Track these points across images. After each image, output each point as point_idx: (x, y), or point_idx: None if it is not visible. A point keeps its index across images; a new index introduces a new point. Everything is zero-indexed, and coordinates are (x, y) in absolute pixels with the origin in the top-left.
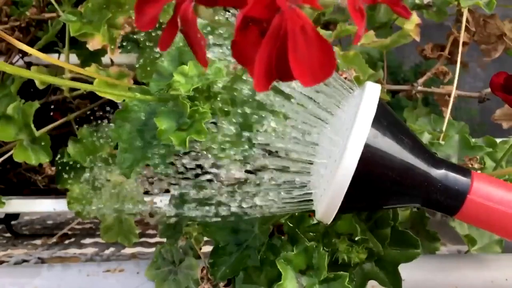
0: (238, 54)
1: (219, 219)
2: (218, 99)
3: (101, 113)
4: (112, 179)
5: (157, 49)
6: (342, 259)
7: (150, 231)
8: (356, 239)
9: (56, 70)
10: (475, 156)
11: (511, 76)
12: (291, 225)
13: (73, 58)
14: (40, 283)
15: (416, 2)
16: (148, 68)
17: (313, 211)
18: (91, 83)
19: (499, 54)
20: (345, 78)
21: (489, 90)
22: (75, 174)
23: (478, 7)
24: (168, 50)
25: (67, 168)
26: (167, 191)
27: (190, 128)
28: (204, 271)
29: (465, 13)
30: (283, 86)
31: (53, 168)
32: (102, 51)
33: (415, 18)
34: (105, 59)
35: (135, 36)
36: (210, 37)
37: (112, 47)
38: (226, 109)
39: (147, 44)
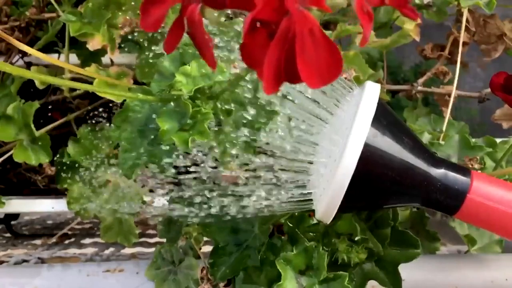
0: (246, 56)
1: (218, 218)
2: (220, 99)
3: (101, 113)
4: (112, 179)
5: (157, 49)
6: (342, 259)
7: (150, 231)
8: (356, 239)
9: (56, 70)
10: (475, 156)
11: (511, 76)
12: (291, 225)
13: (73, 58)
14: (40, 283)
15: (416, 2)
16: (147, 69)
17: (313, 211)
18: (91, 83)
19: (499, 54)
20: (345, 78)
21: (489, 90)
22: (75, 174)
23: (478, 7)
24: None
25: (67, 168)
26: (167, 191)
27: (192, 128)
28: (204, 271)
29: (465, 13)
30: (283, 86)
31: (53, 168)
32: (102, 51)
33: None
34: (105, 59)
35: (135, 36)
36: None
37: (112, 47)
38: (228, 110)
39: (146, 44)
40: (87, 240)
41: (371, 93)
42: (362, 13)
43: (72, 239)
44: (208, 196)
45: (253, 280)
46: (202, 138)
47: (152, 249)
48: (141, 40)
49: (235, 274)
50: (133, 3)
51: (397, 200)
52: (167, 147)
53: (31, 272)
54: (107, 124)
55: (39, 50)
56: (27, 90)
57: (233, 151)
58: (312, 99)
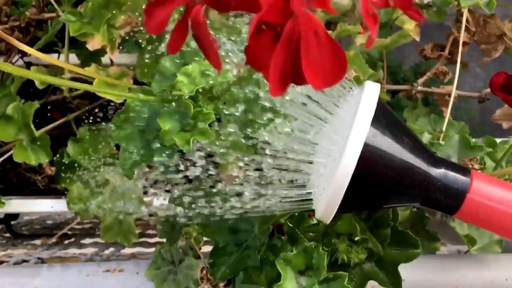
0: (251, 58)
1: (218, 218)
2: (222, 99)
3: (100, 113)
4: (112, 179)
5: (157, 49)
6: (342, 259)
7: (150, 231)
8: (356, 239)
9: (55, 70)
10: (475, 156)
11: (511, 76)
12: (291, 225)
13: (73, 58)
14: (40, 283)
15: (416, 2)
16: (147, 69)
17: (313, 211)
18: (91, 83)
19: (499, 54)
20: (345, 77)
21: (489, 90)
22: (75, 174)
23: (478, 7)
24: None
25: (66, 168)
26: (167, 191)
27: (194, 129)
28: (204, 271)
29: (465, 13)
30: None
31: (53, 168)
32: (101, 51)
33: None
34: (105, 59)
35: (135, 36)
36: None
37: (112, 47)
38: (229, 110)
39: (146, 44)
40: (87, 240)
41: (371, 93)
42: (368, 15)
43: (72, 239)
44: (208, 195)
45: (253, 280)
46: (204, 138)
47: (152, 249)
48: (141, 40)
49: (235, 274)
50: (129, 3)
51: (397, 200)
52: (168, 147)
53: (31, 272)
54: (107, 124)
55: (39, 50)
56: (27, 90)
57: (234, 151)
58: (312, 98)
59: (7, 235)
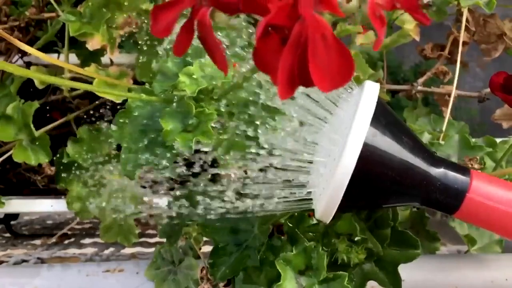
0: (259, 61)
1: (218, 217)
2: (224, 100)
3: (100, 113)
4: (112, 179)
5: (157, 49)
6: (342, 259)
7: (150, 231)
8: (356, 239)
9: (55, 70)
10: (475, 156)
11: (511, 76)
12: (290, 225)
13: (73, 58)
14: (40, 283)
15: None
16: (147, 69)
17: (313, 211)
18: (91, 83)
19: (499, 54)
20: None
21: (489, 90)
22: (75, 174)
23: (478, 7)
24: (171, 49)
25: (66, 168)
26: (167, 190)
27: (196, 129)
28: (204, 271)
29: (465, 13)
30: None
31: (53, 168)
32: (101, 51)
33: None
34: (105, 59)
35: (135, 36)
36: None
37: (112, 47)
38: (231, 110)
39: (146, 44)
40: (87, 240)
41: (370, 92)
42: (375, 17)
43: (72, 239)
44: (208, 195)
45: (253, 280)
46: (206, 138)
47: (152, 249)
48: (141, 40)
49: (235, 274)
50: (129, 3)
51: (396, 200)
52: (169, 148)
53: (30, 272)
54: (107, 124)
55: (38, 50)
56: (27, 90)
57: (235, 151)
58: (312, 98)
59: (7, 235)
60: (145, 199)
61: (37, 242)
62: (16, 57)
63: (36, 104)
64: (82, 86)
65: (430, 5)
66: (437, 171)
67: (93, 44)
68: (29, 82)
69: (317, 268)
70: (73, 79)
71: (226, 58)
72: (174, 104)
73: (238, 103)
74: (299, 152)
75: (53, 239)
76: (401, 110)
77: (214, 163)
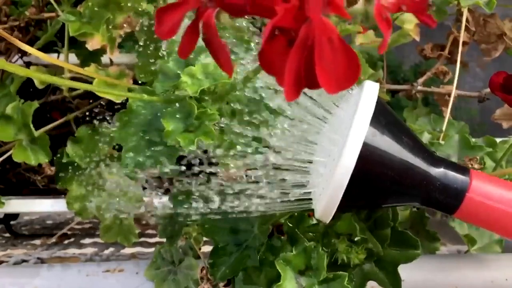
0: (265, 63)
1: (218, 217)
2: (226, 100)
3: (100, 113)
4: (112, 179)
5: (158, 49)
6: (342, 259)
7: (150, 231)
8: (356, 239)
9: (55, 70)
10: (475, 156)
11: (511, 76)
12: (290, 225)
13: (73, 58)
14: (39, 283)
15: None
16: (147, 69)
17: (313, 211)
18: (91, 83)
19: (499, 54)
20: None
21: (489, 90)
22: (75, 174)
23: (478, 7)
24: (173, 50)
25: (66, 168)
26: (167, 191)
27: (197, 129)
28: (204, 271)
29: (465, 13)
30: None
31: (53, 168)
32: (101, 51)
33: (414, 17)
34: (105, 59)
35: (135, 35)
36: None
37: (112, 47)
38: (232, 110)
39: (146, 44)
40: (87, 240)
41: (370, 92)
42: (382, 20)
43: (72, 239)
44: (208, 194)
45: (252, 280)
46: (208, 139)
47: (152, 249)
48: (141, 40)
49: (234, 274)
50: (129, 3)
51: (396, 200)
52: (171, 148)
53: (30, 272)
54: (107, 124)
55: (38, 49)
56: (27, 89)
57: (237, 151)
58: (312, 98)
59: (7, 235)
60: (145, 199)
61: (37, 242)
62: (16, 57)
63: (35, 104)
64: (82, 86)
65: (430, 5)
66: (437, 171)
67: (93, 44)
68: (28, 82)
69: (317, 268)
70: (73, 79)
71: (230, 60)
72: (176, 104)
73: (239, 103)
74: (299, 152)
75: (53, 239)
76: (401, 110)
77: (214, 163)
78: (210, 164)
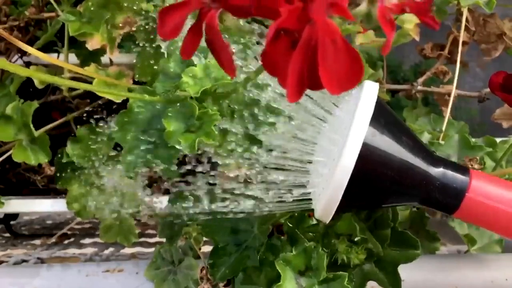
0: (268, 64)
1: (218, 217)
2: (227, 100)
3: (100, 113)
4: (112, 179)
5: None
6: (342, 259)
7: (150, 231)
8: (356, 239)
9: (55, 70)
10: (475, 156)
11: (510, 76)
12: (290, 225)
13: (72, 57)
14: (39, 283)
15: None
16: (146, 69)
17: (313, 211)
18: (91, 82)
19: (499, 54)
20: None
21: (489, 89)
22: (74, 174)
23: (478, 7)
24: (174, 50)
25: (66, 168)
26: (167, 190)
27: (199, 130)
28: (204, 271)
29: (465, 13)
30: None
31: (52, 168)
32: (101, 51)
33: (414, 17)
34: (105, 59)
35: (135, 35)
36: None
37: (111, 46)
38: (233, 110)
39: (146, 43)
40: (87, 240)
41: (370, 92)
42: (385, 21)
43: (72, 239)
44: (208, 194)
45: (252, 280)
46: (209, 139)
47: (152, 249)
48: (141, 40)
49: (234, 275)
50: (126, 3)
51: (396, 199)
52: (171, 148)
53: (30, 272)
54: (107, 124)
55: (38, 49)
56: (26, 89)
57: (238, 151)
58: (311, 98)
59: (7, 235)
60: (146, 199)
61: (37, 242)
62: (16, 57)
63: (35, 104)
64: (82, 86)
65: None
66: (437, 171)
67: (92, 44)
68: (28, 82)
69: (317, 269)
70: (73, 79)
71: (233, 61)
72: (177, 104)
73: (240, 104)
74: (299, 152)
75: (53, 239)
76: (401, 109)
77: (215, 162)
78: (210, 164)
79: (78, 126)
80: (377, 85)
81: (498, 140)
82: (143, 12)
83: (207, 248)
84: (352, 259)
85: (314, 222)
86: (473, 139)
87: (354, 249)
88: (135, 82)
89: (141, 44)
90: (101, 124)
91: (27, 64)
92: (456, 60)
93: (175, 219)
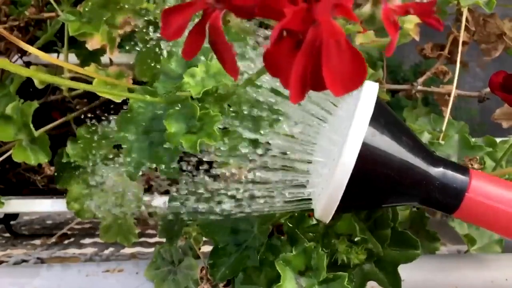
0: (271, 65)
1: (217, 217)
2: (229, 101)
3: (100, 113)
4: (112, 179)
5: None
6: (342, 259)
7: (150, 231)
8: (356, 239)
9: (55, 70)
10: (475, 156)
11: (510, 75)
12: (290, 225)
13: (72, 57)
14: (39, 283)
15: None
16: (146, 69)
17: (313, 211)
18: (91, 82)
19: (499, 54)
20: None
21: (489, 89)
22: (74, 174)
23: (478, 7)
24: (174, 50)
25: (66, 168)
26: (167, 191)
27: (200, 131)
28: (204, 271)
29: (465, 13)
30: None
31: (52, 168)
32: (101, 51)
33: (414, 17)
34: (105, 59)
35: (135, 35)
36: None
37: (111, 46)
38: (234, 111)
39: (146, 43)
40: (87, 240)
41: (369, 92)
42: (389, 23)
43: (72, 239)
44: (208, 195)
45: (252, 280)
46: (211, 140)
47: (152, 249)
48: (141, 40)
49: (234, 275)
50: (125, 3)
51: (396, 199)
52: (172, 149)
53: (30, 272)
54: (107, 124)
55: (38, 49)
56: (26, 89)
57: (239, 151)
58: (311, 98)
59: (7, 235)
60: (146, 198)
61: (37, 242)
62: (16, 57)
63: (35, 104)
64: (82, 86)
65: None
66: (437, 171)
67: (92, 44)
68: (28, 82)
69: (317, 269)
70: (73, 79)
71: (236, 62)
72: (178, 105)
73: (241, 104)
74: (298, 152)
75: (53, 239)
76: (401, 109)
77: (214, 162)
78: (211, 164)
79: (81, 126)
80: (377, 85)
81: (498, 140)
82: (143, 12)
83: (207, 248)
84: (352, 259)
85: (314, 222)
86: (473, 139)
87: (354, 249)
88: (135, 82)
89: (141, 44)
90: (101, 124)
91: (27, 64)
92: (456, 60)
93: (175, 219)
